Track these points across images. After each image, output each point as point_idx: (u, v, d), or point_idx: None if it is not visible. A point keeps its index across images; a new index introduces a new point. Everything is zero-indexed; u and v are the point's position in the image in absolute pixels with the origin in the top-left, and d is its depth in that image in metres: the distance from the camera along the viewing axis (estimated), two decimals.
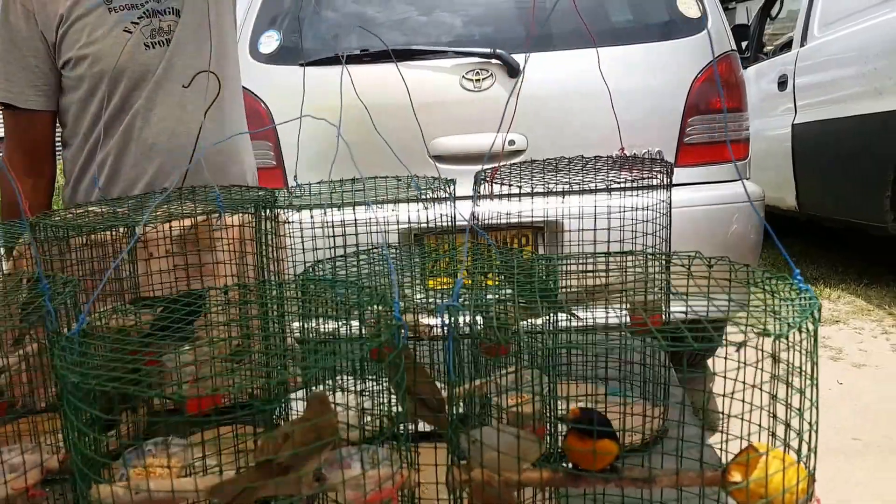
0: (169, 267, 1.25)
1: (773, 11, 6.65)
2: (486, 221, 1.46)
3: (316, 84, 3.04)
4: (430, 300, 1.28)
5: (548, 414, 0.98)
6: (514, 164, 1.43)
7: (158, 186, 1.88)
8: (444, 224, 1.42)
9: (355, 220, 1.37)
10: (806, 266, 5.81)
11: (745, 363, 0.76)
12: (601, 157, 1.42)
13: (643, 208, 1.33)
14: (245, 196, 1.32)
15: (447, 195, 1.36)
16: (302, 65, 2.95)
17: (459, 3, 3.27)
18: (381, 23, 3.33)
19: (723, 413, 0.81)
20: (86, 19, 1.86)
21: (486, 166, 1.38)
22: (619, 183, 1.37)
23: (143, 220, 1.00)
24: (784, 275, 0.80)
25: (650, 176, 1.30)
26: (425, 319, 1.24)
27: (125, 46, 1.85)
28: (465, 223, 1.30)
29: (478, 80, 2.96)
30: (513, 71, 2.94)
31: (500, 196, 1.42)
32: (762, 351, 0.73)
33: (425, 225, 1.52)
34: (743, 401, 0.78)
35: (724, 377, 0.76)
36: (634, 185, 1.37)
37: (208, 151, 1.85)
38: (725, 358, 0.79)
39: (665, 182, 1.29)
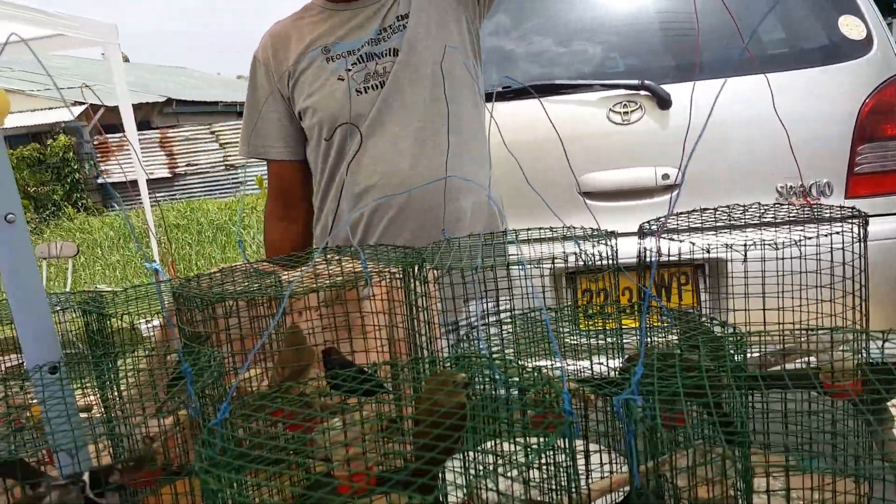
0: (317, 329, 1.20)
1: None
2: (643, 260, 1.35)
3: None
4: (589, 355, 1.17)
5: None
6: (681, 213, 1.30)
7: (374, 228, 1.92)
8: (599, 264, 1.33)
9: (508, 274, 1.29)
10: None
11: None
12: (781, 204, 1.27)
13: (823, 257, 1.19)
14: (392, 257, 1.26)
15: (607, 246, 1.25)
16: None
17: (602, 34, 3.16)
18: (520, 56, 3.26)
19: None
20: (308, 72, 1.94)
21: (653, 217, 1.26)
22: (800, 232, 1.23)
23: (286, 293, 0.95)
24: None
25: (840, 231, 1.15)
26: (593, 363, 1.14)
27: (339, 94, 1.89)
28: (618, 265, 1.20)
29: (626, 113, 2.83)
30: (663, 102, 2.79)
31: (663, 233, 1.32)
32: None
33: (579, 265, 1.43)
34: None
35: None
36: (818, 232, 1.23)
37: (419, 190, 1.83)
38: None
39: (859, 234, 1.14)
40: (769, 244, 1.13)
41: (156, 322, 1.34)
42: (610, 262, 1.25)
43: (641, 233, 1.23)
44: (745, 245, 1.14)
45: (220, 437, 0.72)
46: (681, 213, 1.30)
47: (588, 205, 2.77)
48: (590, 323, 1.17)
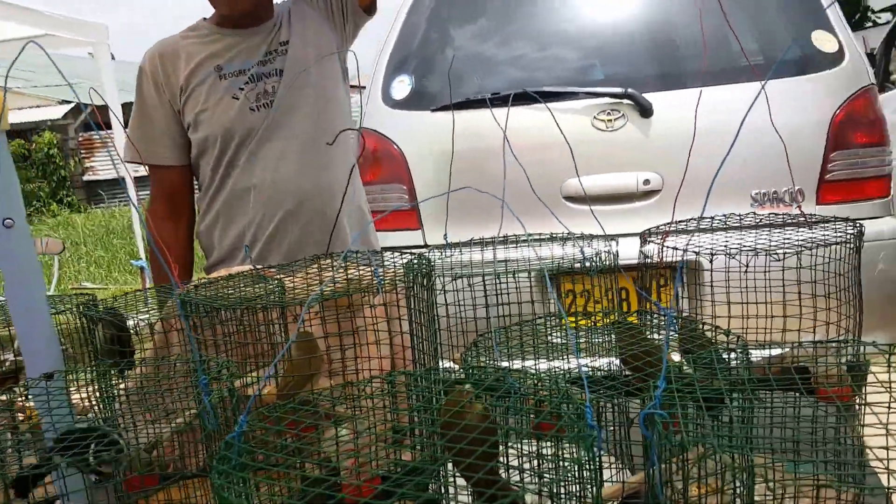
0: (319, 335, 1.20)
1: None
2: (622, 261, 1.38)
3: (447, 128, 3.02)
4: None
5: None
6: (680, 221, 1.33)
7: (264, 227, 2.14)
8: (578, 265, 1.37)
9: (507, 277, 1.31)
10: None
11: None
12: (777, 213, 1.31)
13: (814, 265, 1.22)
14: (396, 264, 1.27)
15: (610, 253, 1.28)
16: (450, 109, 2.94)
17: (586, 42, 3.19)
18: (501, 61, 3.28)
19: None
20: (201, 87, 2.11)
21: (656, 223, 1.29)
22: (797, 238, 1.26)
23: (308, 301, 0.96)
24: None
25: (840, 239, 1.19)
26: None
27: (233, 112, 2.09)
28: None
29: (609, 121, 2.87)
30: (645, 111, 2.84)
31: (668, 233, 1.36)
32: None
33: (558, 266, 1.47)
34: None
35: None
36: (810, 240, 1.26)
37: (307, 195, 2.12)
38: None
39: (854, 244, 1.17)
40: (772, 251, 1.17)
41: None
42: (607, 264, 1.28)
43: (643, 239, 1.26)
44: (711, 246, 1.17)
45: (237, 451, 0.73)
46: (680, 221, 1.33)
47: (571, 209, 2.80)
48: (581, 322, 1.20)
